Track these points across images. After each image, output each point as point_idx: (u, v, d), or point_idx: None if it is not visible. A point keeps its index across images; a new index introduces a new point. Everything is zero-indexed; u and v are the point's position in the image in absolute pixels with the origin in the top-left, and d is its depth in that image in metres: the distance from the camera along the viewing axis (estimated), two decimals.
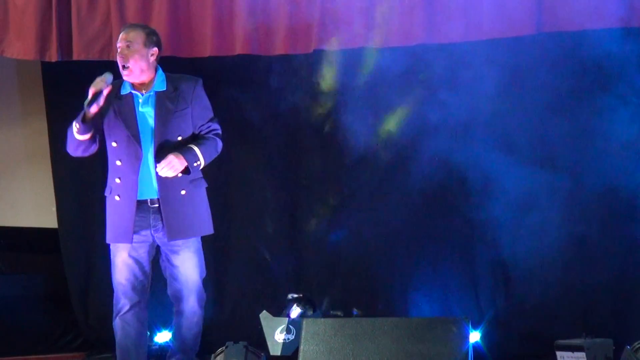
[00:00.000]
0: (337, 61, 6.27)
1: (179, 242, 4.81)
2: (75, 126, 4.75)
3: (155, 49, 4.85)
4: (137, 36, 4.80)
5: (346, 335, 4.47)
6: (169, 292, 4.98)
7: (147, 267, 4.89)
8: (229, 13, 5.76)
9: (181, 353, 5.02)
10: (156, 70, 4.87)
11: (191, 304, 4.88)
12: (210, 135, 4.85)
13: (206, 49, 5.83)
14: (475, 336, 6.01)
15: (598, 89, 6.04)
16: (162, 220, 4.77)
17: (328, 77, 6.22)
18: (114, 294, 4.95)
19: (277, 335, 6.20)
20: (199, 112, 4.86)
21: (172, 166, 4.67)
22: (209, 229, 4.96)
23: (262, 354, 5.42)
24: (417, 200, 6.41)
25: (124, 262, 4.83)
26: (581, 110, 6.13)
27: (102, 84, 4.72)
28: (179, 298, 4.91)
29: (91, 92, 4.71)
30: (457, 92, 6.21)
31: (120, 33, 4.89)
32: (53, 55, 5.95)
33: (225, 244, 6.94)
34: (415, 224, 6.44)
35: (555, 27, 5.42)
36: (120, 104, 4.81)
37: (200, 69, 6.72)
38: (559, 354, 5.62)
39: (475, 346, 5.89)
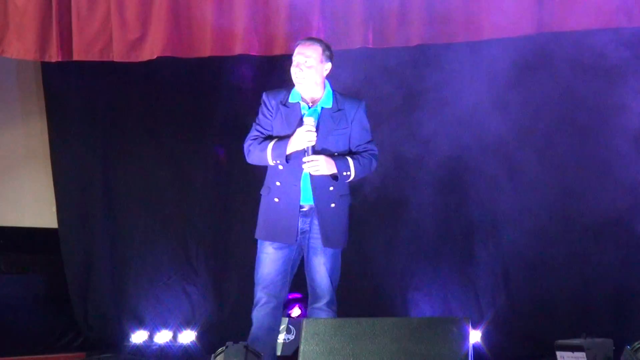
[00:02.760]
0: (337, 61, 6.28)
1: (319, 249, 4.97)
2: (276, 160, 4.92)
3: (329, 64, 4.99)
4: (315, 52, 4.93)
5: (346, 335, 4.46)
6: (308, 290, 5.14)
7: (288, 267, 5.03)
8: (229, 13, 5.76)
9: None
10: (325, 86, 5.01)
11: (321, 306, 5.00)
12: (366, 154, 4.99)
13: (206, 49, 5.83)
14: (475, 336, 6.01)
15: (598, 90, 6.04)
16: (314, 225, 4.95)
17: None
18: (254, 287, 5.05)
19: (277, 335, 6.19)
20: (358, 132, 4.99)
21: (319, 164, 4.83)
22: (344, 243, 5.07)
23: (262, 354, 5.41)
24: (418, 201, 6.41)
25: (268, 256, 5.00)
26: (582, 111, 6.13)
27: (313, 137, 4.84)
28: (312, 299, 5.06)
29: (307, 144, 4.85)
30: (458, 92, 6.22)
31: (297, 45, 5.00)
32: (53, 55, 5.94)
33: (225, 244, 6.95)
34: (415, 224, 6.44)
35: (556, 27, 5.42)
36: (288, 111, 4.96)
37: (201, 68, 6.74)
38: (559, 354, 5.61)
39: (475, 346, 5.89)
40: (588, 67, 5.95)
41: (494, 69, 6.09)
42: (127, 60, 5.92)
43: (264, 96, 5.06)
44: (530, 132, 6.24)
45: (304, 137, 4.84)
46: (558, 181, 6.20)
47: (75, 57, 5.95)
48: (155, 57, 5.86)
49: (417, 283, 6.45)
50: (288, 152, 4.88)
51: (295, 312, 6.48)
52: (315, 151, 4.88)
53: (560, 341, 5.64)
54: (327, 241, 4.93)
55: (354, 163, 4.91)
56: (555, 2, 5.33)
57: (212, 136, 6.94)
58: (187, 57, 5.97)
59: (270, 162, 4.95)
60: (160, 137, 7.04)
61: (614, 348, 5.47)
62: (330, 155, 4.90)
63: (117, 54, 5.89)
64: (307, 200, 4.94)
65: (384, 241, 6.54)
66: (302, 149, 4.87)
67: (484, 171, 6.33)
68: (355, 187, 6.44)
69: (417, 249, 6.47)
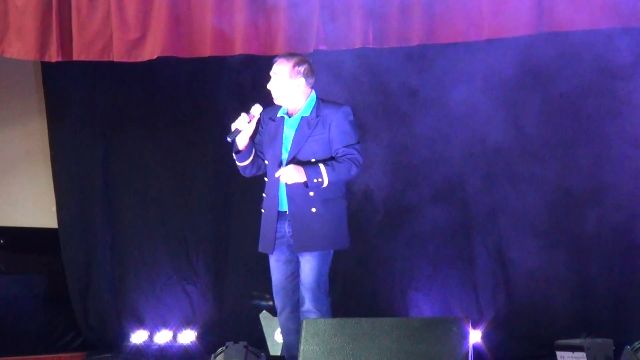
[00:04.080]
0: (337, 61, 6.28)
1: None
2: (233, 155, 5.10)
3: (302, 80, 5.03)
4: (282, 68, 5.03)
5: (346, 335, 4.46)
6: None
7: (294, 271, 5.07)
8: (229, 13, 5.76)
9: None
10: (308, 96, 5.07)
11: (307, 306, 5.02)
12: (343, 158, 4.99)
13: (206, 49, 5.83)
14: (475, 336, 6.01)
15: (598, 90, 6.04)
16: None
17: (327, 77, 6.22)
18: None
19: (277, 335, 6.20)
20: (336, 136, 5.01)
21: (288, 173, 4.90)
22: (336, 245, 5.07)
23: (262, 354, 5.42)
24: (418, 201, 6.41)
25: (272, 267, 5.11)
26: (583, 113, 6.13)
27: (243, 123, 4.99)
28: (300, 301, 5.08)
29: (233, 127, 5.01)
30: (458, 92, 6.22)
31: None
32: (53, 55, 5.94)
33: (225, 244, 6.95)
34: (415, 224, 6.44)
35: (556, 27, 5.42)
36: (273, 126, 5.09)
37: (201, 68, 6.74)
38: (559, 354, 5.62)
39: (475, 346, 5.89)
40: (590, 68, 5.95)
41: (494, 69, 6.08)
42: (127, 60, 5.92)
43: (262, 113, 5.15)
44: (532, 134, 6.23)
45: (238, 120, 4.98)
46: (559, 182, 6.20)
47: (75, 57, 5.95)
48: (155, 57, 5.85)
49: (417, 283, 6.45)
50: (228, 139, 5.02)
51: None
52: (289, 160, 4.95)
53: (560, 341, 5.64)
54: (297, 246, 4.97)
55: (326, 169, 4.92)
56: (556, 2, 5.33)
57: (212, 136, 6.93)
58: (187, 57, 5.97)
59: (235, 160, 5.09)
60: (160, 137, 7.04)
61: (614, 348, 5.48)
62: (303, 163, 4.94)
63: (117, 54, 5.88)
64: (286, 207, 5.01)
65: (384, 241, 6.53)
66: (276, 162, 4.98)
67: (484, 171, 6.33)
68: (355, 188, 6.48)
69: (417, 249, 6.47)
